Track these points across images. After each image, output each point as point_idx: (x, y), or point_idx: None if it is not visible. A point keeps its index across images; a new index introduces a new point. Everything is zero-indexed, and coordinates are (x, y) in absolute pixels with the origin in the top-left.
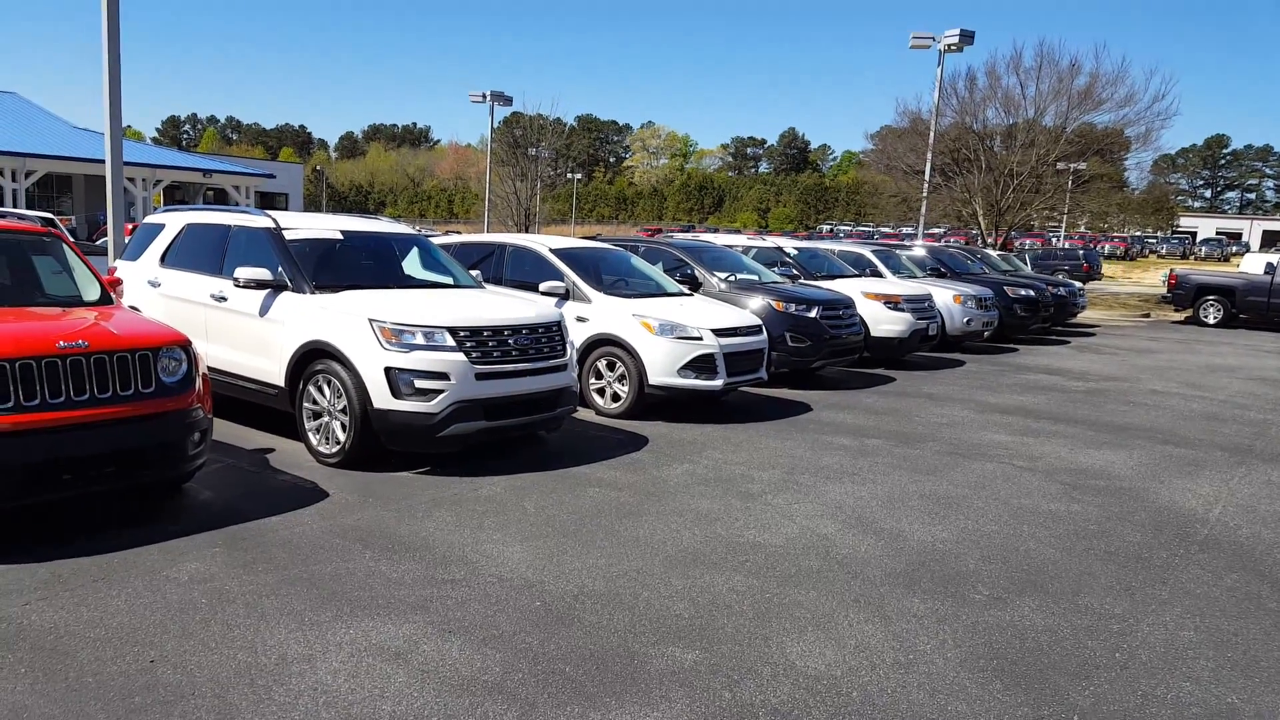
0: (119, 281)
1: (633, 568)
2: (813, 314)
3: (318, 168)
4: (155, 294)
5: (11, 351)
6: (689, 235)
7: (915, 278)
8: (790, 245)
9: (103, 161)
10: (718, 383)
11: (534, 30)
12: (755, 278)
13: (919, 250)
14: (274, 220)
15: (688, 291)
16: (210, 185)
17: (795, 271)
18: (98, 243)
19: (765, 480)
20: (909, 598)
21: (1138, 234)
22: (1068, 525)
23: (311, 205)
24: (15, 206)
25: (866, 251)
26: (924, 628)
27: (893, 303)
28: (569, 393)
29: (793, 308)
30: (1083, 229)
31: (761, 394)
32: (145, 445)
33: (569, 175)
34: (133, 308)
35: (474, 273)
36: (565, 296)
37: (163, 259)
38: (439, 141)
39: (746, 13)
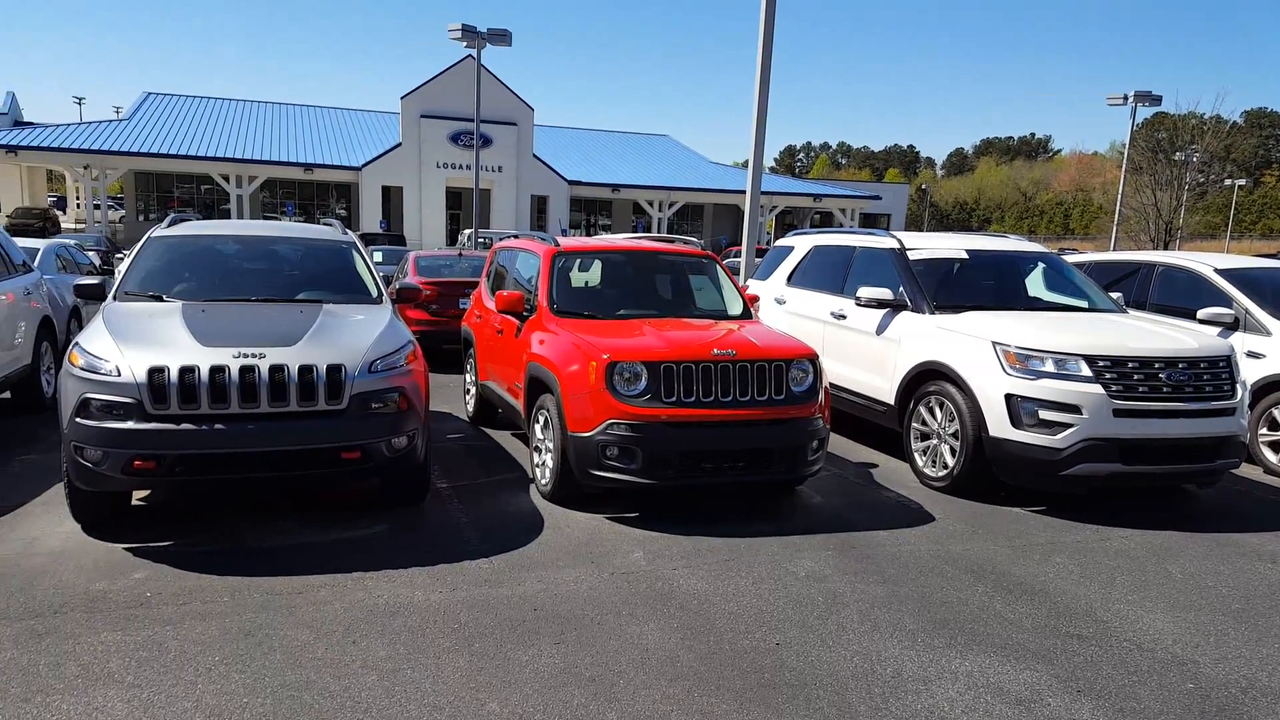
0: (756, 298)
1: None
2: None
3: (923, 186)
4: (780, 310)
5: (676, 355)
6: None
7: None
8: None
9: (730, 191)
10: None
11: (1192, 21)
12: None
13: None
14: (898, 241)
15: None
16: (818, 209)
17: None
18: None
19: None
20: None
21: None
22: None
23: (913, 225)
24: (659, 230)
25: None
26: None
27: None
28: (1234, 443)
29: None
30: None
31: None
32: (773, 447)
33: (1227, 181)
34: None
35: (1114, 295)
36: (1232, 327)
37: (789, 278)
38: (1059, 151)
39: None
